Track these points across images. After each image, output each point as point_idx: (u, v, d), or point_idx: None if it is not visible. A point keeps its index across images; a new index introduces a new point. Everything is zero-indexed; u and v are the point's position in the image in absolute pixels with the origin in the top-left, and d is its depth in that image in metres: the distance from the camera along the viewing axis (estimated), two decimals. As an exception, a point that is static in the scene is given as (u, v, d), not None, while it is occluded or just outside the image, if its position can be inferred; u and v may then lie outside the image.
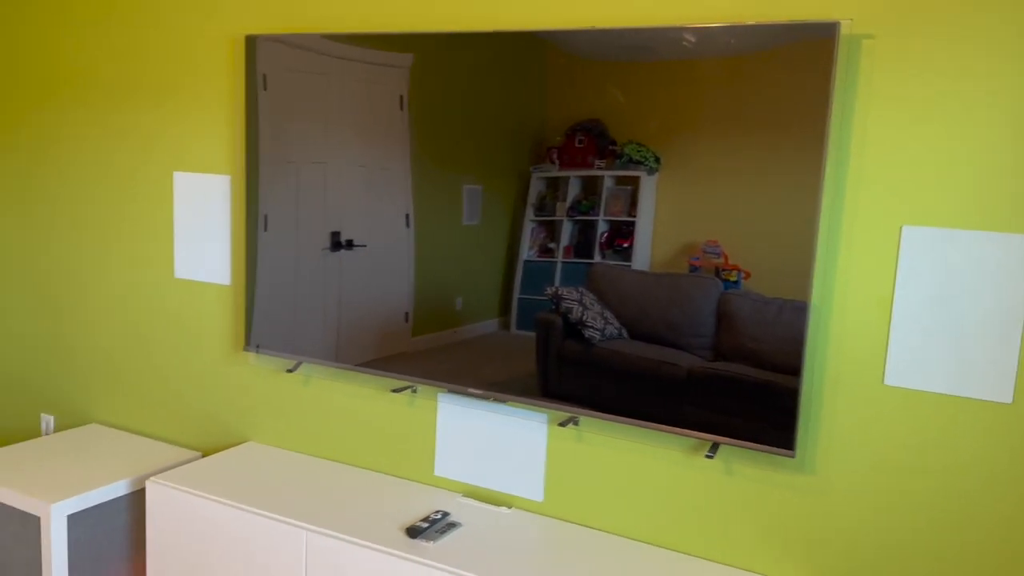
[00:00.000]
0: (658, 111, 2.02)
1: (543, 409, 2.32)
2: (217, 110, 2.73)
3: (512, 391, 2.26)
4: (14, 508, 2.49)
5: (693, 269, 2.02)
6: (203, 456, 2.79)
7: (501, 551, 2.15)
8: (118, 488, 2.58)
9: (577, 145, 2.13)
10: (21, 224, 3.22)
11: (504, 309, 2.25)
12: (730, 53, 1.93)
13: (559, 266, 2.18)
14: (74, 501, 2.46)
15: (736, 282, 1.98)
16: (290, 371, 2.68)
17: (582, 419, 2.27)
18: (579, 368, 2.17)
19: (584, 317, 2.15)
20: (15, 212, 3.23)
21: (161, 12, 2.79)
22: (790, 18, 1.91)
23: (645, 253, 2.07)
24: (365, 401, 2.59)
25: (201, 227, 2.80)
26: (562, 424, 2.24)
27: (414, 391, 2.51)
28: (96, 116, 2.97)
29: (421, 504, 2.40)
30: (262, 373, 2.76)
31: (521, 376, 2.25)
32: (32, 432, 3.31)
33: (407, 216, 2.37)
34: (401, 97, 2.33)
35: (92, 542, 2.53)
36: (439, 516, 2.29)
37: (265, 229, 2.61)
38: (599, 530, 2.29)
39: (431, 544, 2.16)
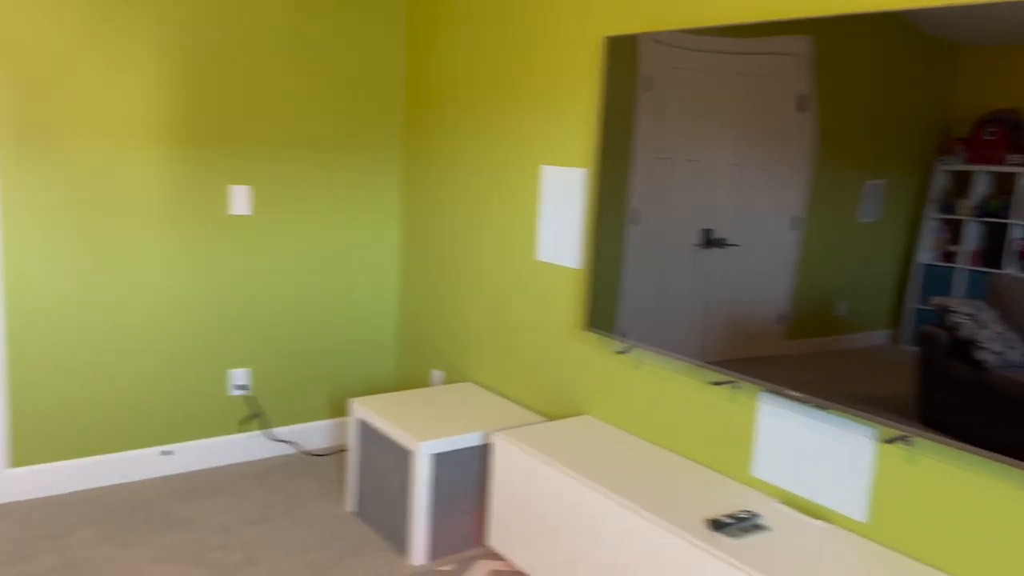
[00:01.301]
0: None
1: (869, 422, 2.16)
2: (580, 107, 2.96)
3: (889, 410, 2.05)
4: (396, 442, 3.00)
5: None
6: (547, 421, 3.07)
7: (807, 565, 2.06)
8: (474, 438, 2.96)
9: (986, 137, 1.91)
10: (425, 213, 3.82)
11: (896, 319, 2.06)
12: None
13: (960, 273, 1.94)
14: (439, 443, 2.89)
15: None
16: (621, 353, 2.82)
17: (916, 440, 2.06)
18: (963, 393, 1.92)
19: (976, 336, 1.91)
20: (419, 203, 3.84)
21: (535, 22, 3.11)
22: None
23: (1078, 270, 1.76)
24: (687, 390, 2.64)
25: (560, 215, 3.07)
26: (888, 441, 2.07)
27: (736, 387, 2.49)
28: (484, 116, 3.41)
29: (731, 500, 2.39)
30: (601, 353, 2.95)
31: (902, 395, 2.04)
32: (424, 383, 3.92)
33: (792, 214, 2.26)
34: (796, 94, 2.24)
35: (450, 480, 2.95)
36: (747, 516, 2.26)
37: (635, 223, 2.74)
38: (929, 566, 2.07)
39: (732, 540, 2.15)
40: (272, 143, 3.62)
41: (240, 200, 3.58)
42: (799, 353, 2.26)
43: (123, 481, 3.49)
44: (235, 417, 3.74)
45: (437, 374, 3.83)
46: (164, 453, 3.57)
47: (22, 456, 3.27)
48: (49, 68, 3.10)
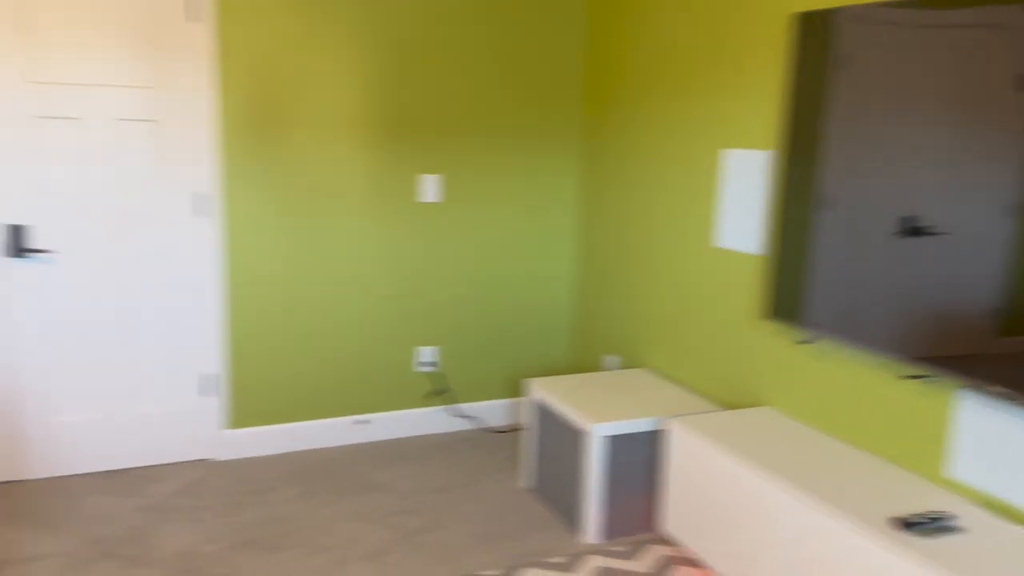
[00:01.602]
0: None
1: (1084, 424, 1.98)
2: (765, 87, 2.88)
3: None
4: (571, 423, 3.07)
5: None
6: (722, 410, 3.02)
7: (1006, 571, 1.92)
8: (647, 423, 2.98)
9: None
10: (602, 198, 3.86)
11: None
12: None
13: None
14: (612, 426, 2.93)
15: None
16: (802, 343, 2.73)
17: None
18: None
19: None
20: (596, 188, 3.88)
21: (716, 3, 3.05)
22: None
23: None
24: (875, 384, 2.52)
25: (741, 200, 3.01)
26: (1106, 445, 1.89)
27: (930, 382, 2.35)
28: (663, 99, 3.39)
29: (921, 500, 2.26)
30: (781, 342, 2.86)
31: None
32: (596, 367, 3.97)
33: (1008, 201, 2.09)
34: (1012, 71, 2.06)
35: (623, 463, 2.98)
36: (938, 516, 2.14)
37: (825, 207, 2.63)
38: None
39: (922, 540, 2.04)
40: (458, 133, 3.79)
41: (429, 188, 3.77)
42: (1013, 351, 2.09)
43: (322, 446, 3.80)
44: (422, 392, 3.96)
45: (610, 359, 3.86)
46: (359, 423, 3.85)
47: (238, 419, 3.64)
48: (272, 67, 3.42)
